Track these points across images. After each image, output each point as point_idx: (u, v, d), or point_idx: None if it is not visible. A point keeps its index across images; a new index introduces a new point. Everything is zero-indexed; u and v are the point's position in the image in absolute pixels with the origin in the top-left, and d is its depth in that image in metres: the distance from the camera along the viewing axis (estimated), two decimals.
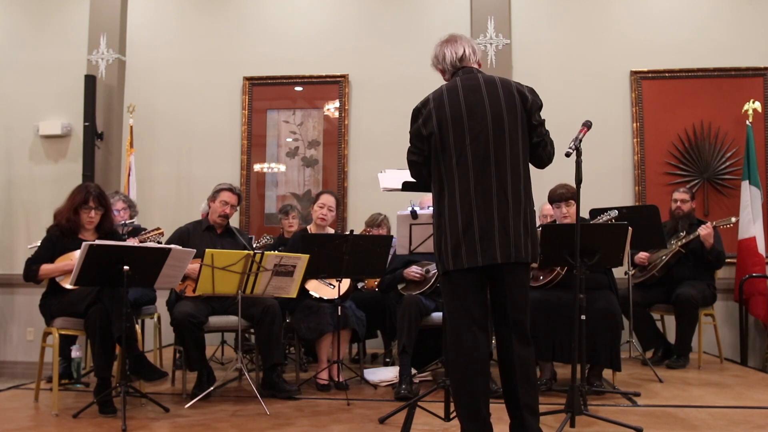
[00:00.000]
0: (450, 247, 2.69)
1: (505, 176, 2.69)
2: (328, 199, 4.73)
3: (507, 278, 2.70)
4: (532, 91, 2.80)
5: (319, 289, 4.52)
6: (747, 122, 5.91)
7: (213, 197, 4.55)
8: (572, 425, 3.18)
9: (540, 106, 2.80)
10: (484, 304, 2.76)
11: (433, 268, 4.41)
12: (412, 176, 2.95)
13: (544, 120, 2.82)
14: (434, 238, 2.81)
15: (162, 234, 4.50)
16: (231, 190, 4.52)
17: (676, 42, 6.31)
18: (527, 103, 2.75)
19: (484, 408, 2.71)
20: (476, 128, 2.70)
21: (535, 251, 2.75)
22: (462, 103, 2.72)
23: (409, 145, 2.88)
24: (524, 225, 2.71)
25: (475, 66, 2.89)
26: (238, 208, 4.80)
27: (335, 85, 6.65)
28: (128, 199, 5.38)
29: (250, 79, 6.72)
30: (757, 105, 5.99)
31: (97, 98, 6.51)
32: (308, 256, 4.05)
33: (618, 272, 4.56)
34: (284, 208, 5.86)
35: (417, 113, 2.84)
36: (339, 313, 4.27)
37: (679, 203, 5.31)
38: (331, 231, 4.86)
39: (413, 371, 4.24)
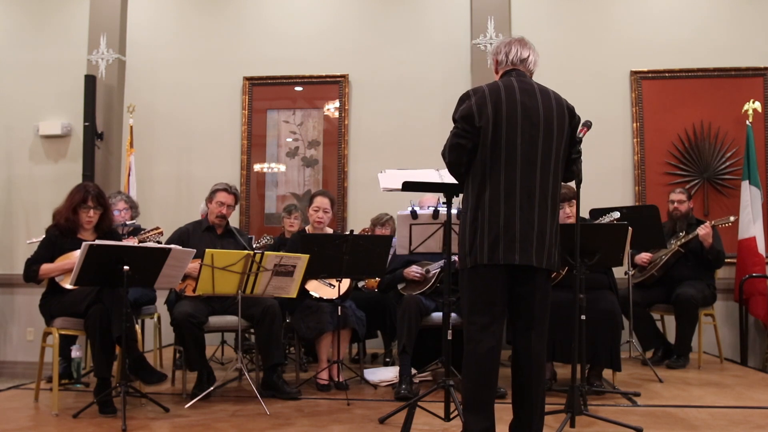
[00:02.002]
0: (487, 241, 2.69)
1: (547, 183, 2.74)
2: (322, 202, 4.71)
3: (537, 282, 2.75)
4: (574, 108, 2.89)
5: (319, 289, 4.51)
6: (747, 122, 5.91)
7: (210, 198, 4.55)
8: (572, 425, 3.18)
9: (580, 124, 2.92)
10: (504, 303, 2.77)
11: (433, 268, 4.41)
12: (450, 160, 2.82)
13: (580, 138, 2.91)
14: (466, 230, 2.77)
15: (161, 233, 4.49)
16: (226, 190, 4.50)
17: (676, 42, 6.30)
18: (573, 119, 2.85)
19: (492, 410, 2.72)
20: (529, 131, 2.73)
21: (558, 262, 2.82)
22: (518, 103, 2.74)
23: (454, 129, 2.79)
24: (556, 234, 2.78)
25: (528, 74, 2.91)
26: (236, 207, 4.79)
27: (335, 85, 6.65)
28: (130, 200, 5.37)
29: (250, 79, 6.72)
30: (757, 105, 5.99)
31: (97, 98, 6.51)
32: (308, 256, 4.05)
33: (618, 272, 4.56)
34: (288, 207, 5.84)
35: (467, 97, 2.80)
36: (339, 313, 4.27)
37: (676, 204, 5.31)
38: (330, 231, 4.86)
39: (413, 371, 4.24)
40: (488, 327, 2.70)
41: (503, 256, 2.67)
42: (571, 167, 2.90)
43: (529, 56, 2.90)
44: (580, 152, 2.91)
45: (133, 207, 5.30)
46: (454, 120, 2.81)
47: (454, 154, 2.80)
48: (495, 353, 2.71)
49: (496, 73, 2.97)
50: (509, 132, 2.71)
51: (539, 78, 2.93)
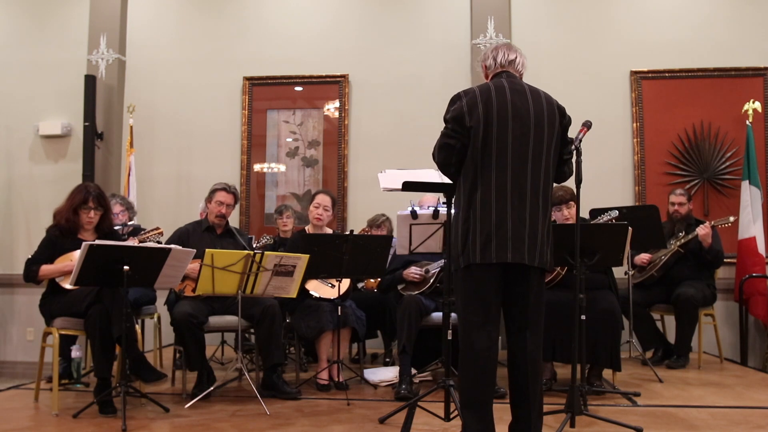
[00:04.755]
0: (479, 240, 2.70)
1: (538, 181, 2.75)
2: (323, 199, 4.71)
3: (530, 281, 2.74)
4: (565, 109, 2.89)
5: (319, 288, 4.52)
6: (747, 122, 5.91)
7: (209, 198, 4.55)
8: (572, 425, 3.18)
9: (570, 124, 2.91)
10: (499, 303, 2.78)
11: (432, 268, 4.40)
12: (439, 160, 2.87)
13: (572, 138, 2.92)
14: (459, 229, 2.78)
15: (161, 233, 4.50)
16: (226, 189, 4.51)
17: (676, 42, 6.30)
18: (564, 119, 2.86)
19: (491, 409, 2.72)
20: (519, 130, 2.74)
21: (552, 260, 2.82)
22: (509, 103, 2.75)
23: (444, 129, 2.83)
24: (547, 232, 2.78)
25: (518, 75, 2.94)
26: (236, 207, 4.79)
27: (335, 85, 6.65)
28: (125, 201, 5.37)
29: (250, 79, 6.72)
30: (757, 105, 5.99)
31: (97, 98, 6.51)
32: (308, 256, 4.05)
33: (618, 272, 4.56)
34: (279, 208, 5.87)
35: (458, 98, 2.82)
36: (339, 313, 4.27)
37: (677, 206, 5.30)
38: (329, 231, 4.85)
39: (413, 371, 4.24)
40: (483, 326, 2.70)
41: (495, 254, 2.68)
42: (563, 168, 2.90)
43: (516, 58, 2.93)
44: (571, 152, 2.92)
45: (129, 208, 5.30)
46: (445, 120, 2.84)
47: (442, 154, 2.84)
48: (491, 352, 2.71)
49: (487, 78, 3.00)
50: (500, 131, 2.73)
51: (540, 77, 2.95)
